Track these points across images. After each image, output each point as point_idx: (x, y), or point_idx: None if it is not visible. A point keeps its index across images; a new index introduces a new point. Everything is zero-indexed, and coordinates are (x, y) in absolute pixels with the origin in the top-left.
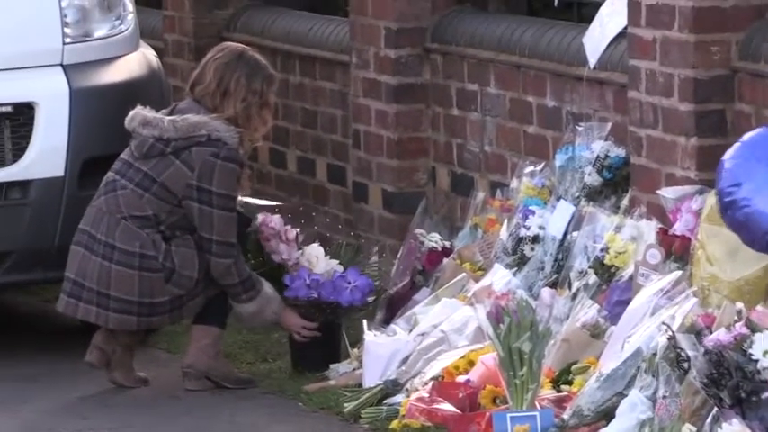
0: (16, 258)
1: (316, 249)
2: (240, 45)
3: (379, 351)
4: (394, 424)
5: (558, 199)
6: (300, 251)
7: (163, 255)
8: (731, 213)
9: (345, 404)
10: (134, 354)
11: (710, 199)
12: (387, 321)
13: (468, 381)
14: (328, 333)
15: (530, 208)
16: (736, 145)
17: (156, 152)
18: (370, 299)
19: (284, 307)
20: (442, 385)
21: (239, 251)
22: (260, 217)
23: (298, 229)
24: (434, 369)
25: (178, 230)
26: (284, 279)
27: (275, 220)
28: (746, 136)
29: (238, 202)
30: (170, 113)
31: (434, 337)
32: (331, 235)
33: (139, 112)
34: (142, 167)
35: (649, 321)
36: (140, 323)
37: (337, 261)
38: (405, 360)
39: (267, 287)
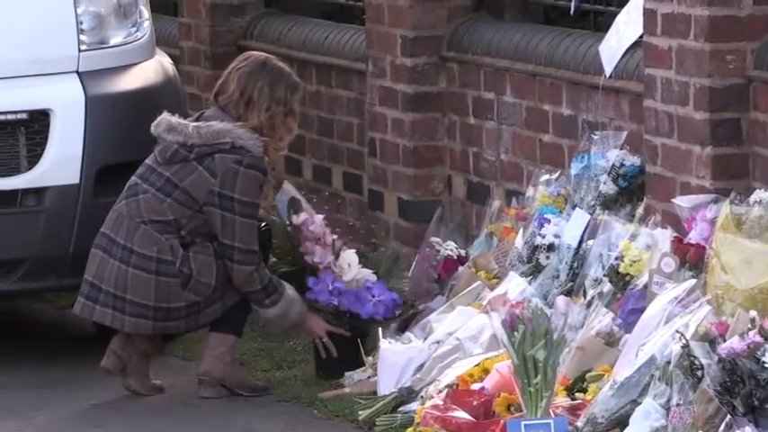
0: (31, 265)
1: (350, 256)
2: (264, 54)
3: (393, 359)
4: (409, 431)
5: (574, 207)
6: (334, 256)
7: (180, 260)
8: None
9: (360, 412)
10: (150, 361)
11: (725, 208)
12: (402, 329)
13: (482, 388)
14: (350, 342)
15: (545, 216)
16: None
17: (179, 158)
18: (396, 313)
19: (308, 309)
20: (457, 393)
21: (261, 258)
22: (302, 216)
23: (336, 236)
24: (449, 377)
25: (198, 237)
26: (308, 281)
27: (317, 223)
28: None
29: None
30: (196, 120)
31: (449, 345)
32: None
33: (165, 118)
34: (165, 173)
35: (663, 330)
36: (156, 328)
37: (371, 271)
38: (419, 368)
39: (289, 289)
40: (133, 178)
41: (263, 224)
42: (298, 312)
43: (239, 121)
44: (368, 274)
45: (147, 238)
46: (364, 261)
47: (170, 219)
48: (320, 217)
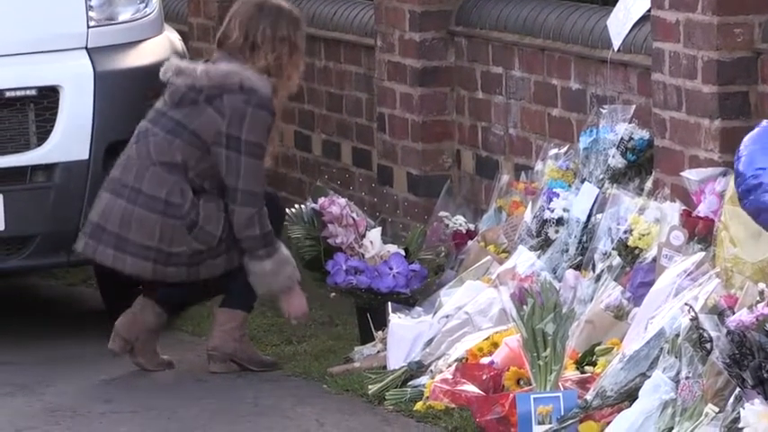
0: (40, 242)
1: (374, 234)
2: None
3: (403, 333)
4: (418, 405)
5: (583, 181)
6: (359, 236)
7: (189, 205)
8: (755, 198)
9: (370, 386)
10: (158, 337)
11: (734, 181)
12: (412, 304)
13: (491, 362)
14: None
15: (554, 190)
16: (757, 130)
17: (188, 100)
18: (422, 284)
19: (298, 280)
20: (466, 367)
21: (264, 203)
22: (321, 200)
23: (358, 216)
24: (458, 351)
25: (206, 181)
26: (325, 265)
27: (338, 204)
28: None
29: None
30: (205, 61)
31: (458, 320)
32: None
33: (173, 62)
34: (174, 116)
35: (672, 302)
36: (156, 272)
37: (396, 246)
38: (429, 342)
39: (284, 248)
40: (143, 123)
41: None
42: (288, 276)
43: (246, 64)
44: (393, 249)
45: (156, 179)
46: (395, 239)
47: (178, 160)
48: (342, 199)
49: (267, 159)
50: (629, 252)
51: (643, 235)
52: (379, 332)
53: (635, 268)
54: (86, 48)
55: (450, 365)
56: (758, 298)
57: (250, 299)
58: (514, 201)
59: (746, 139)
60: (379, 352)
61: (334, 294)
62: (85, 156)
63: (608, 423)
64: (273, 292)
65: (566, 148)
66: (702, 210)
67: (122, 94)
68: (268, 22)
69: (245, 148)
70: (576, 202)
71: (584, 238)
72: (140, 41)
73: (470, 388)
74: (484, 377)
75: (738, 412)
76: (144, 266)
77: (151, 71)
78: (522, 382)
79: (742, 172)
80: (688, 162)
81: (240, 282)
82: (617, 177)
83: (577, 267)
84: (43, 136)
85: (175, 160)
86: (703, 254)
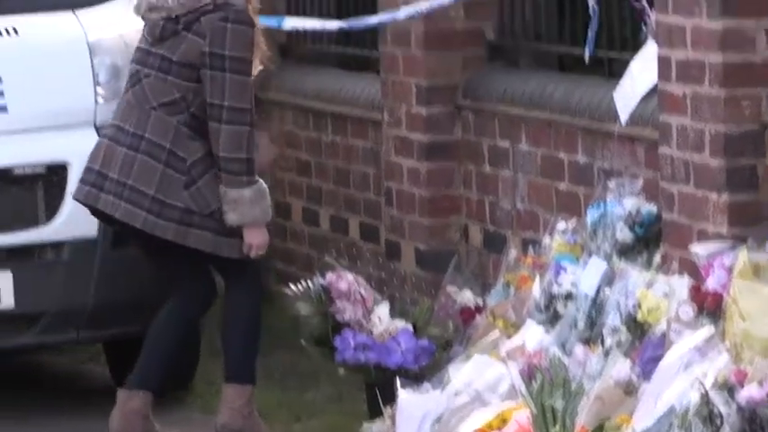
0: (50, 319)
1: (382, 310)
2: None
3: (412, 410)
4: None
5: (590, 255)
6: (366, 311)
7: (192, 162)
8: None
9: None
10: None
11: (742, 255)
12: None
13: None
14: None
15: (562, 265)
16: None
17: (168, 32)
18: (430, 359)
19: (270, 218)
20: None
21: (252, 122)
22: (329, 276)
23: (366, 292)
24: (468, 427)
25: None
26: (334, 341)
27: (346, 280)
28: None
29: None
30: None
31: (467, 396)
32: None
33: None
34: (159, 51)
35: (682, 378)
36: (146, 223)
37: (404, 321)
38: (438, 419)
39: (262, 182)
40: (133, 65)
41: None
42: (264, 210)
43: None
44: (401, 325)
45: (159, 124)
46: (403, 314)
47: (176, 97)
48: (350, 275)
49: (256, 63)
50: (637, 327)
51: (652, 310)
52: (388, 408)
53: (644, 343)
54: (95, 124)
55: None
56: None
57: (252, 368)
58: (522, 275)
59: None
60: (388, 428)
61: (342, 370)
62: (94, 233)
63: None
64: (244, 223)
65: (573, 222)
66: (711, 284)
67: None
68: None
69: (229, 64)
70: (585, 277)
71: (593, 313)
72: None
73: None
74: None
75: None
76: (137, 215)
77: None
78: None
79: None
80: (696, 236)
81: (238, 346)
82: (625, 251)
83: (586, 342)
84: (52, 213)
85: (173, 97)
86: (712, 329)
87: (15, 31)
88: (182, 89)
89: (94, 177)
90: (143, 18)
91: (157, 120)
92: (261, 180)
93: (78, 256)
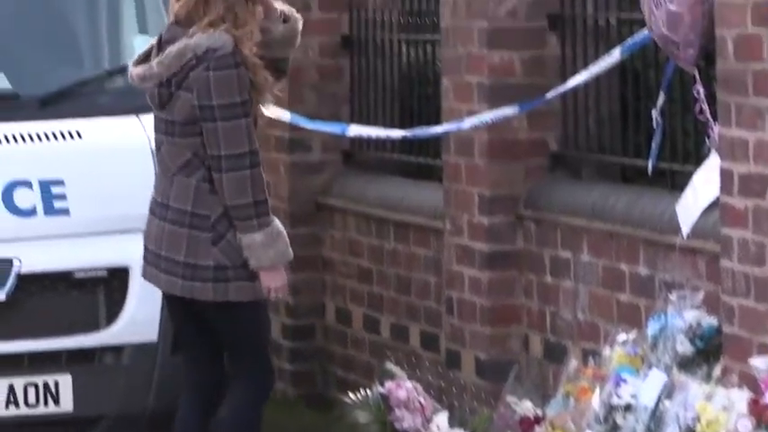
0: (109, 423)
1: (440, 418)
2: None
3: None
4: None
5: (651, 367)
6: (425, 420)
7: (216, 217)
8: None
9: None
10: None
11: None
12: None
13: None
14: None
15: (622, 376)
16: None
17: (165, 97)
18: None
19: (290, 259)
20: None
21: (257, 165)
22: (388, 384)
23: (426, 399)
24: None
25: None
26: None
27: (405, 388)
28: None
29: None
30: (158, 49)
31: None
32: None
33: (131, 72)
34: (164, 116)
35: None
36: (184, 288)
37: (463, 430)
38: None
39: (278, 222)
40: (155, 134)
41: None
42: (281, 252)
43: (201, 23)
44: None
45: (180, 190)
46: (462, 423)
47: (189, 157)
48: (409, 383)
49: (268, 97)
50: None
51: (711, 422)
52: None
53: None
54: None
55: None
56: None
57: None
58: (582, 386)
59: None
60: None
61: None
62: (154, 337)
63: None
64: (261, 267)
65: (634, 334)
66: None
67: None
68: None
69: (219, 113)
70: (644, 389)
71: (652, 425)
72: None
73: None
74: None
75: None
76: (174, 283)
77: None
78: None
79: None
80: (756, 350)
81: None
82: (685, 364)
83: None
84: (113, 317)
85: (187, 158)
86: None
87: (78, 135)
88: (192, 147)
89: (146, 253)
90: (141, 89)
91: (178, 185)
92: (276, 221)
93: (138, 360)
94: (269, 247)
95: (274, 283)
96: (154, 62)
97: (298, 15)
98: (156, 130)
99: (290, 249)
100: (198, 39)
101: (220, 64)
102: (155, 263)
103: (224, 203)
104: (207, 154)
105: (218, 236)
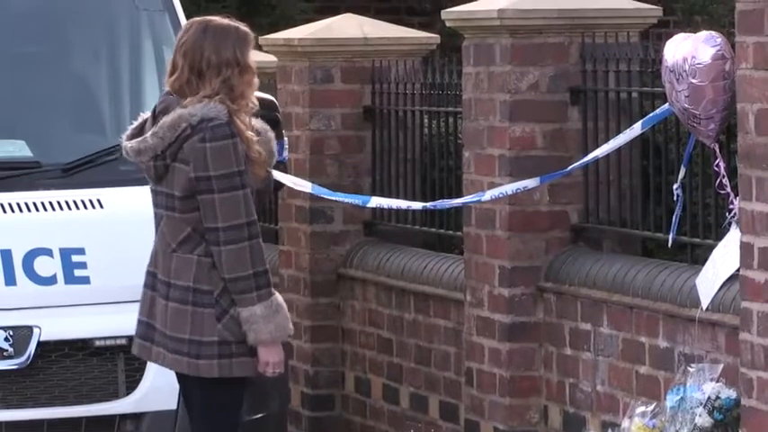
0: None
1: None
2: (205, 18)
3: None
4: None
5: None
6: None
7: (219, 291)
8: None
9: None
10: None
11: None
12: None
13: None
14: None
15: None
16: None
17: (161, 170)
18: None
19: (290, 333)
20: None
21: (256, 237)
22: None
23: None
24: None
25: None
26: None
27: None
28: None
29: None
30: (153, 119)
31: None
32: None
33: (125, 146)
34: (162, 189)
35: None
36: (190, 366)
37: None
38: None
39: (278, 295)
40: (153, 208)
41: None
42: (281, 325)
43: (197, 95)
44: None
45: (181, 267)
46: None
47: (189, 231)
48: None
49: (257, 168)
50: None
51: None
52: None
53: None
54: None
55: None
56: None
57: None
58: None
59: None
60: None
61: None
62: (173, 405)
63: None
64: (259, 341)
65: (653, 406)
66: None
67: None
68: (212, 48)
69: (216, 185)
70: None
71: None
72: None
73: None
74: None
75: None
76: (180, 361)
77: None
78: None
79: None
80: None
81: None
82: None
83: None
84: (132, 385)
85: (187, 233)
86: None
87: (100, 204)
88: (191, 221)
89: (144, 329)
90: (137, 164)
91: (179, 262)
92: (277, 294)
93: (158, 427)
94: (268, 321)
95: (272, 357)
96: (148, 134)
97: (271, 134)
98: (156, 204)
99: (291, 324)
100: (192, 108)
101: (216, 134)
102: (159, 341)
103: (222, 277)
104: (204, 227)
105: (222, 311)
